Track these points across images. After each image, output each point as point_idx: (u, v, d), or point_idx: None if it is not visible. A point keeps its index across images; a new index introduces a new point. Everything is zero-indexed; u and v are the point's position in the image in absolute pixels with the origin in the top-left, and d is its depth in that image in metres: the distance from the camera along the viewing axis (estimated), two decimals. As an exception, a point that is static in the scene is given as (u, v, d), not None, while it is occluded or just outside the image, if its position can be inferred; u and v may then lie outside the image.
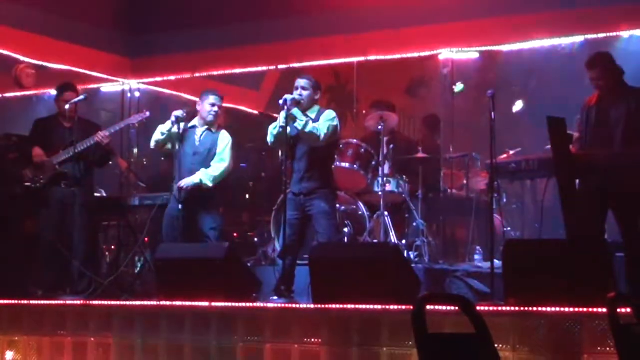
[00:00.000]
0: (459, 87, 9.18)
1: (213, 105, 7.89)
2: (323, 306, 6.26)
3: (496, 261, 6.66)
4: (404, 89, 11.38)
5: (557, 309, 5.47)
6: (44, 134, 8.28)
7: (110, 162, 8.87)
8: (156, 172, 10.40)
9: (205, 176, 7.76)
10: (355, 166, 8.50)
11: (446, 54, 9.37)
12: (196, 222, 7.81)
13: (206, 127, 7.94)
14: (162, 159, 10.24)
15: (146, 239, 8.82)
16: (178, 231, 7.71)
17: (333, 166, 7.87)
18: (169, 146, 7.95)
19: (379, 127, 8.62)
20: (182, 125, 7.83)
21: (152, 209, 8.11)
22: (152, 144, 8.02)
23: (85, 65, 9.78)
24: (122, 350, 6.84)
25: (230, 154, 7.91)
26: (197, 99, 8.19)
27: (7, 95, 10.70)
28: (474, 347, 3.37)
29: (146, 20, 9.93)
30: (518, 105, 10.18)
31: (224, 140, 7.92)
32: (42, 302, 7.48)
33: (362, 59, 9.51)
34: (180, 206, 7.69)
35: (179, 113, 7.83)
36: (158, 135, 7.90)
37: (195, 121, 8.00)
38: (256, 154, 10.70)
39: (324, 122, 7.25)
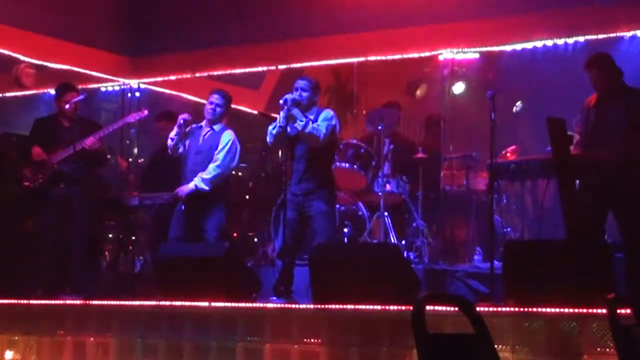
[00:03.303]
0: (459, 87, 9.16)
1: (211, 103, 7.88)
2: (322, 306, 6.27)
3: (496, 262, 6.66)
4: (404, 90, 11.36)
5: (557, 309, 5.48)
6: (43, 134, 8.27)
7: (111, 161, 8.86)
8: (156, 172, 10.39)
9: (200, 182, 7.71)
10: (355, 166, 8.49)
11: (446, 54, 9.35)
12: (199, 223, 7.79)
13: (210, 126, 7.92)
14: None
15: (146, 238, 8.82)
16: (183, 232, 7.75)
17: (333, 166, 7.87)
18: (182, 149, 7.95)
19: (379, 128, 8.62)
20: (188, 128, 7.85)
21: (152, 209, 8.12)
22: (170, 152, 7.99)
23: (85, 64, 9.76)
24: (122, 350, 6.85)
25: (227, 154, 7.79)
26: (196, 99, 8.20)
27: (7, 94, 10.69)
28: (473, 348, 3.37)
29: (146, 20, 9.92)
30: (518, 106, 10.10)
31: (224, 139, 7.83)
32: (42, 301, 7.48)
33: (362, 59, 9.50)
34: (182, 207, 7.71)
35: (184, 116, 7.85)
36: (169, 142, 7.90)
37: (203, 122, 8.02)
38: (256, 153, 10.69)
39: (322, 122, 7.24)
